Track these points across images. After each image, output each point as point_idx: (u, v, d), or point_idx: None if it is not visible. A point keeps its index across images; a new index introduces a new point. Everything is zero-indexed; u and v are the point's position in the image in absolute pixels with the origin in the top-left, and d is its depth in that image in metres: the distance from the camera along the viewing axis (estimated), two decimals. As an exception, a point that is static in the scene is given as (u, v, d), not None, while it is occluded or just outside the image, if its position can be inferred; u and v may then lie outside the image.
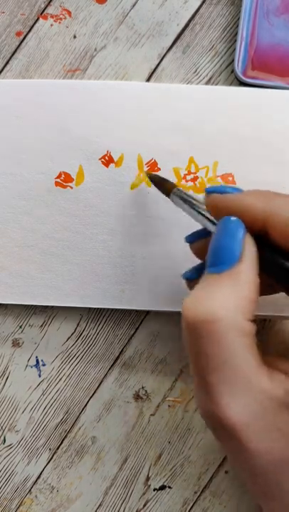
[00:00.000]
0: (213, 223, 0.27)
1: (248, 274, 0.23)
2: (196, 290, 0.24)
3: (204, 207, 0.28)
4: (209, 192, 0.27)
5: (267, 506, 0.23)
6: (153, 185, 0.34)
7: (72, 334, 0.38)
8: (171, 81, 0.37)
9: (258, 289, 0.24)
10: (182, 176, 0.36)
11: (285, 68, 0.36)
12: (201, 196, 0.30)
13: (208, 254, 0.25)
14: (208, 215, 0.27)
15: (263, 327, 0.37)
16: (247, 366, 0.22)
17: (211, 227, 0.27)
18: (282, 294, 0.28)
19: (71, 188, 0.36)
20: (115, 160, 0.36)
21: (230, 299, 0.22)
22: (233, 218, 0.25)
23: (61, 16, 0.38)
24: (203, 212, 0.28)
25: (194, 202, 0.29)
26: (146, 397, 0.38)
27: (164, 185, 0.32)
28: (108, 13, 0.37)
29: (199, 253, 0.30)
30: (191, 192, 0.30)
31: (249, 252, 0.24)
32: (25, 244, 0.36)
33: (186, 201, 0.29)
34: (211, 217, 0.27)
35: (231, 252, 0.24)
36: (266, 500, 0.23)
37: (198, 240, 0.30)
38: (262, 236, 0.25)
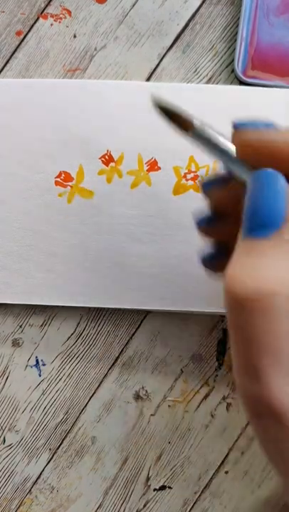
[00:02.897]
0: (247, 171, 0.22)
1: None
2: (239, 258, 0.21)
3: (227, 144, 0.23)
4: (239, 126, 0.23)
5: None
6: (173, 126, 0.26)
7: (72, 334, 0.38)
8: (171, 81, 0.37)
9: None
10: (182, 174, 0.36)
11: (285, 68, 0.36)
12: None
13: (244, 216, 0.21)
14: (240, 162, 0.23)
15: None
16: None
17: (244, 175, 0.23)
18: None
19: (71, 187, 0.36)
20: (115, 159, 0.36)
21: (284, 268, 0.19)
22: (272, 171, 0.21)
23: (61, 16, 0.38)
24: (227, 151, 0.23)
25: (222, 142, 0.23)
26: (147, 397, 0.38)
27: (178, 120, 0.25)
28: (108, 13, 0.37)
29: (219, 205, 0.26)
30: (211, 130, 0.24)
31: None
32: (25, 243, 0.36)
33: (211, 142, 0.24)
34: (245, 164, 0.23)
35: (277, 212, 0.20)
36: None
37: (215, 186, 0.26)
38: None
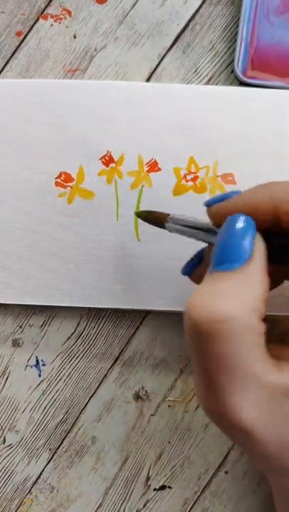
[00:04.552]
0: (215, 232, 0.26)
1: (259, 272, 0.22)
2: (202, 288, 0.23)
3: (202, 222, 0.27)
4: (210, 204, 0.26)
5: (278, 483, 0.24)
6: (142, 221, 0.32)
7: (72, 334, 0.38)
8: (171, 81, 0.37)
9: (268, 287, 0.23)
10: (182, 175, 0.36)
11: (285, 68, 0.36)
12: (190, 216, 0.28)
13: (213, 253, 0.24)
14: (210, 227, 0.27)
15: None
16: (257, 365, 0.21)
17: (213, 239, 0.26)
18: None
19: (71, 188, 0.36)
20: (115, 160, 0.36)
21: (242, 297, 0.21)
22: (242, 216, 0.24)
23: (61, 16, 0.38)
24: (204, 227, 0.27)
25: (190, 220, 0.28)
26: (147, 397, 0.38)
27: (154, 218, 0.31)
28: (108, 13, 0.37)
29: (199, 280, 0.29)
30: (181, 214, 0.29)
31: (259, 249, 0.23)
32: (25, 244, 0.36)
33: (183, 224, 0.28)
34: (214, 228, 0.26)
35: (242, 249, 0.23)
36: (279, 478, 0.24)
37: (195, 269, 0.30)
38: (270, 229, 0.24)
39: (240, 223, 0.23)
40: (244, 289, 0.22)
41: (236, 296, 0.21)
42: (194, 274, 0.30)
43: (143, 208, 0.36)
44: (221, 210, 0.25)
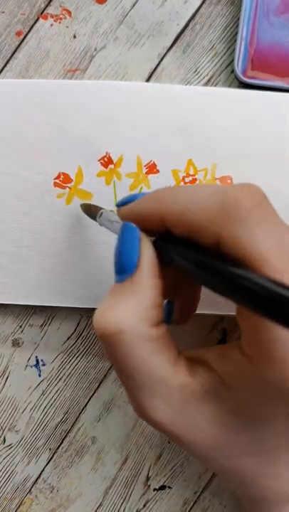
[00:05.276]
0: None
1: (146, 279, 0.23)
2: (105, 301, 0.24)
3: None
4: (119, 205, 0.26)
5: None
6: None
7: (72, 334, 0.38)
8: (171, 81, 0.37)
9: (161, 291, 0.23)
10: (181, 178, 0.36)
11: (285, 68, 0.36)
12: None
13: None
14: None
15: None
16: (160, 368, 0.22)
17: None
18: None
19: (70, 189, 0.36)
20: (114, 161, 0.36)
21: (130, 308, 0.22)
22: (127, 224, 0.24)
23: (61, 16, 0.38)
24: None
25: (115, 220, 0.28)
26: (146, 397, 0.38)
27: (89, 211, 0.32)
28: (108, 13, 0.37)
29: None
30: (113, 212, 0.29)
31: (146, 256, 0.23)
32: (23, 244, 0.36)
33: (112, 219, 0.28)
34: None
35: (129, 258, 0.23)
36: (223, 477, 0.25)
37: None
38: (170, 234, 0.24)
39: (125, 232, 0.24)
40: (132, 298, 0.23)
41: (125, 308, 0.22)
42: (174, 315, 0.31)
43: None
44: (124, 215, 0.26)
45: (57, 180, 0.36)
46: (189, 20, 0.37)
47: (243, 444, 0.22)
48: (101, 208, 0.31)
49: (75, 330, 0.38)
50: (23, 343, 0.38)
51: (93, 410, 0.38)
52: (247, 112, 0.35)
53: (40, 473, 0.38)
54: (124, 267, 0.23)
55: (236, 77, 0.36)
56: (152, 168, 0.36)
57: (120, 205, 0.26)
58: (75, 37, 0.38)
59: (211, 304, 0.35)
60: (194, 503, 0.38)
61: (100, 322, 0.23)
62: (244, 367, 0.22)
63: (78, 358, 0.38)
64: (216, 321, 0.37)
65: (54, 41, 0.38)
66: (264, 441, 0.23)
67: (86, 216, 0.35)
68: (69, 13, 0.38)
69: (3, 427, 0.38)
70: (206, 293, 0.35)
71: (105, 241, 0.36)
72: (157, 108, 0.35)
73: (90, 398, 0.38)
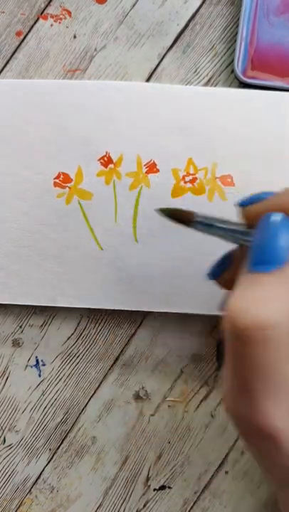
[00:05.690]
0: (248, 234, 0.25)
1: None
2: (242, 291, 0.22)
3: (231, 222, 0.26)
4: (245, 204, 0.25)
5: None
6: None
7: (72, 334, 0.38)
8: (171, 81, 0.37)
9: None
10: (181, 177, 0.36)
11: (285, 68, 0.36)
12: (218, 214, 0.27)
13: (251, 251, 0.23)
14: (240, 228, 0.25)
15: None
16: None
17: (247, 241, 0.25)
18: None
19: (70, 188, 0.36)
20: (114, 161, 0.36)
21: (285, 301, 0.20)
22: (278, 215, 0.22)
23: (61, 16, 0.38)
24: (234, 228, 0.25)
25: (219, 220, 0.26)
26: (147, 397, 0.38)
27: (180, 216, 0.28)
28: (108, 13, 0.37)
29: (229, 285, 0.27)
30: (210, 214, 0.27)
31: None
32: (23, 244, 0.36)
33: (211, 224, 0.26)
34: (244, 229, 0.25)
35: (281, 249, 0.21)
36: None
37: (223, 272, 0.28)
38: None
39: (278, 223, 0.22)
40: (286, 292, 0.21)
41: (278, 301, 0.20)
42: (221, 277, 0.29)
43: (142, 208, 0.36)
44: (256, 212, 0.24)
45: (57, 180, 0.36)
46: (189, 21, 0.37)
47: None
48: (192, 212, 0.27)
49: (75, 330, 0.38)
50: (23, 343, 0.38)
51: (93, 410, 0.38)
52: (247, 111, 0.35)
53: (40, 474, 0.38)
54: (273, 258, 0.21)
55: (236, 77, 0.36)
56: (152, 168, 0.36)
57: (246, 204, 0.25)
58: (75, 37, 0.38)
59: (212, 304, 0.35)
60: (194, 503, 0.38)
61: (243, 313, 0.20)
62: None
63: (78, 358, 0.38)
64: (216, 321, 0.37)
65: (54, 41, 0.38)
66: None
67: (86, 216, 0.35)
68: (69, 13, 0.38)
69: (3, 427, 0.38)
70: (206, 293, 0.35)
71: (107, 241, 0.36)
72: (157, 108, 0.35)
73: (90, 398, 0.38)
